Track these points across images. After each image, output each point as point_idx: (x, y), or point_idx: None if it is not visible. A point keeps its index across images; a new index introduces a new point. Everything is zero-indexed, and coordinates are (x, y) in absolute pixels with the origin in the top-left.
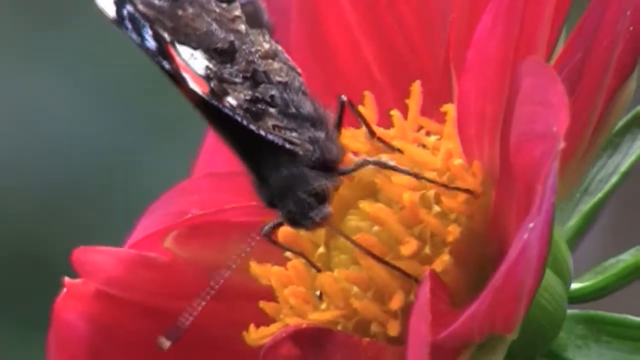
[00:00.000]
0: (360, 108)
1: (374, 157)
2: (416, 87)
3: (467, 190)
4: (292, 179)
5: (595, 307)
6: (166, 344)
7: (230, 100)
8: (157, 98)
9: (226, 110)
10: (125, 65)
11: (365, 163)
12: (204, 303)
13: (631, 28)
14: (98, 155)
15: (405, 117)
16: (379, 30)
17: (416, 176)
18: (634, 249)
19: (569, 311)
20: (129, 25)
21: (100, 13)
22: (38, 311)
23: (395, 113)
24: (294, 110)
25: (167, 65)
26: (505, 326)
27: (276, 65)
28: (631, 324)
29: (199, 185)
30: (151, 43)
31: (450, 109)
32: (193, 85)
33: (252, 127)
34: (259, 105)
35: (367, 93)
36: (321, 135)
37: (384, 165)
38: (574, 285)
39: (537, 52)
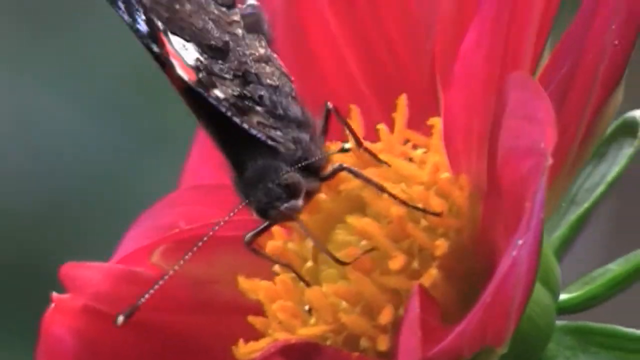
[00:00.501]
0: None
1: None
2: (402, 101)
3: (433, 213)
4: (266, 170)
5: (584, 318)
6: (120, 319)
7: (217, 92)
8: (155, 106)
9: (211, 100)
10: (124, 72)
11: (340, 168)
12: (163, 282)
13: (616, 42)
14: (96, 162)
15: (392, 130)
16: (363, 41)
17: (381, 190)
18: (621, 259)
19: (558, 322)
20: (122, 6)
21: (99, 20)
22: (36, 317)
23: (381, 127)
24: (281, 111)
25: (156, 49)
26: (495, 341)
27: (268, 69)
28: (619, 335)
29: (186, 198)
30: (143, 27)
31: (436, 122)
32: (180, 71)
33: (236, 119)
34: (246, 102)
35: (353, 106)
36: (306, 137)
37: (355, 174)
38: (563, 296)
39: (523, 65)
